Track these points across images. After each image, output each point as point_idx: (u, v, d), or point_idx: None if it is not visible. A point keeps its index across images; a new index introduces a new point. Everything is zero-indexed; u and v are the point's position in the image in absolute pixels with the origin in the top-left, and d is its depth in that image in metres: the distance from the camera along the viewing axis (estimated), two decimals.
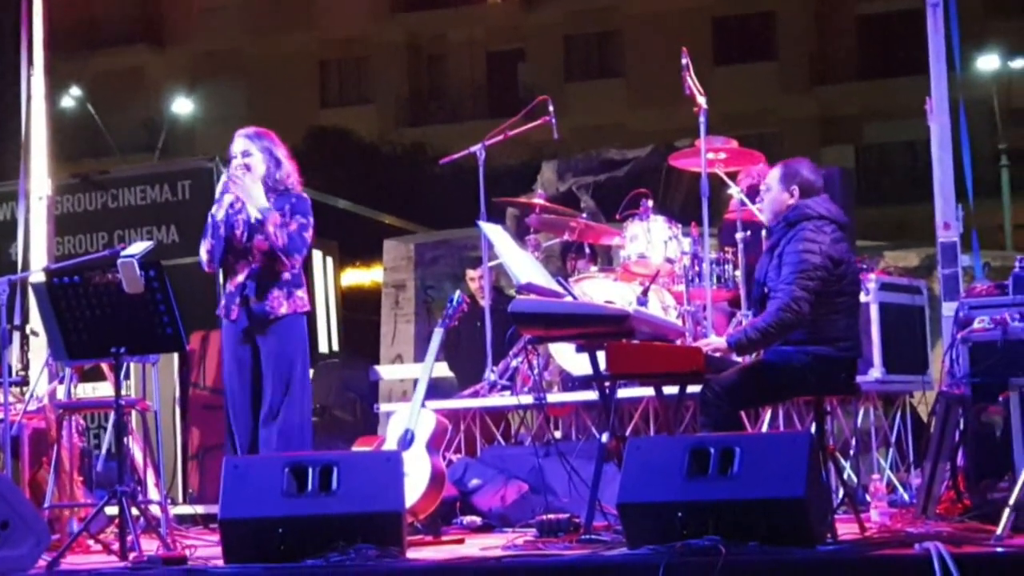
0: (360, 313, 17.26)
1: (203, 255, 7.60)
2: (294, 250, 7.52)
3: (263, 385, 7.54)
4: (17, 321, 9.16)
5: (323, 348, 14.94)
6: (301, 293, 7.63)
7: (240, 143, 7.63)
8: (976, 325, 6.88)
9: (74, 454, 8.23)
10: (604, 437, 6.61)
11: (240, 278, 7.57)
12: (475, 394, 9.34)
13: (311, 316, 8.00)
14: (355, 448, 8.12)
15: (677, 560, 5.19)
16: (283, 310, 7.55)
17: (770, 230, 6.85)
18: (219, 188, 7.60)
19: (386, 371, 13.05)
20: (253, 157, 7.58)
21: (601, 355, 6.55)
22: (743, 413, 7.11)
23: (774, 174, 6.84)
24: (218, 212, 7.53)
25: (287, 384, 7.52)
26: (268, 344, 7.54)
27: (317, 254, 14.22)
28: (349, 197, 17.67)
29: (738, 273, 8.89)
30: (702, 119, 8.65)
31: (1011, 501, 5.64)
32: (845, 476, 8.18)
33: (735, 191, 8.99)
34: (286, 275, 7.58)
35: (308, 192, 7.91)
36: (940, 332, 9.24)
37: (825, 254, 6.47)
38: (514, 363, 9.36)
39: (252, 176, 7.51)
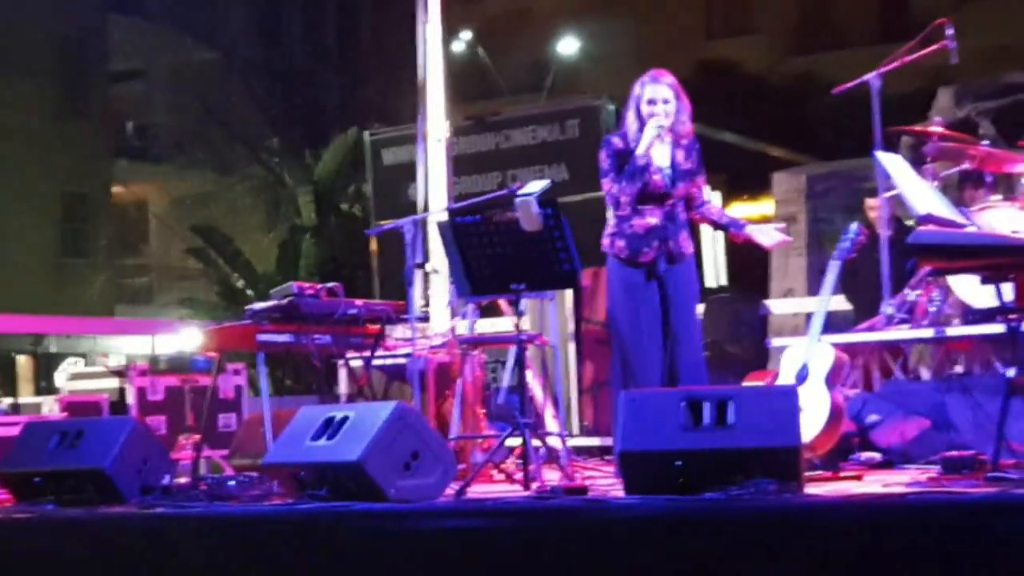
0: (749, 247, 17.15)
1: (622, 197, 7.57)
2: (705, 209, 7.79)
3: (671, 320, 7.56)
4: (420, 259, 9.51)
5: (711, 283, 14.94)
6: (687, 232, 7.72)
7: (665, 90, 7.60)
8: None
9: (476, 387, 8.50)
10: (1011, 372, 6.37)
11: (654, 220, 7.59)
12: (871, 328, 9.16)
13: (697, 251, 8.01)
14: (747, 383, 8.10)
15: None
16: (689, 249, 7.64)
17: None
18: (649, 132, 7.54)
19: (777, 305, 12.94)
20: (671, 104, 7.58)
21: (1008, 287, 6.32)
22: None
23: None
24: (644, 156, 7.51)
25: (693, 319, 7.59)
26: (678, 282, 7.58)
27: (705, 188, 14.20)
28: (737, 130, 17.56)
29: None
30: None
31: None
32: None
33: None
34: (686, 215, 7.67)
35: (696, 126, 7.89)
36: None
37: None
38: (912, 296, 9.13)
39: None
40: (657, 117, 7.49)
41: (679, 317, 7.55)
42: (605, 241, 7.69)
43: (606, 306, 8.36)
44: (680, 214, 7.63)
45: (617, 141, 7.61)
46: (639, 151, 7.48)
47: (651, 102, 7.54)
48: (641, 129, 7.51)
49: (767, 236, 7.74)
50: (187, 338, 15.72)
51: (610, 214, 7.70)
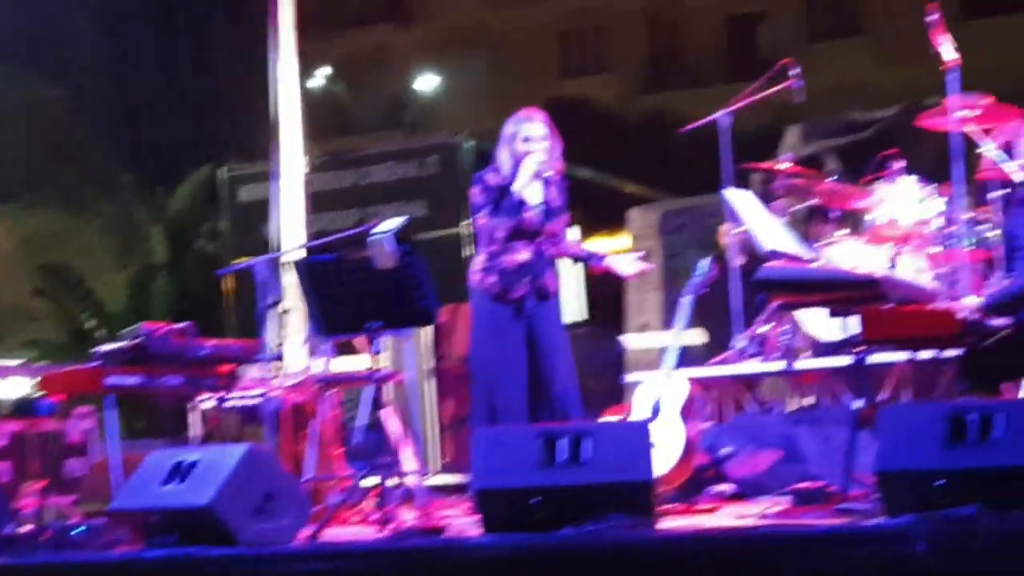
0: (605, 282, 17.27)
1: (496, 232, 7.63)
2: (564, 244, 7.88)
3: (538, 357, 7.60)
4: (275, 298, 9.43)
5: (570, 318, 14.99)
6: (555, 269, 7.76)
7: (541, 128, 7.69)
8: None
9: (333, 427, 8.44)
10: (857, 404, 6.50)
11: (525, 257, 7.64)
12: (724, 361, 9.28)
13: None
14: (603, 418, 8.15)
15: (937, 529, 5.08)
16: (556, 286, 7.75)
17: None
18: (529, 168, 7.60)
19: (633, 340, 13.04)
20: (546, 142, 7.68)
21: (854, 320, 6.45)
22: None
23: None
24: (522, 192, 7.59)
25: (564, 354, 7.63)
26: (546, 319, 7.62)
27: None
28: (591, 166, 17.66)
29: (993, 233, 8.64)
30: (952, 76, 8.42)
31: None
32: None
33: (989, 148, 8.72)
34: (550, 252, 7.76)
35: None
36: None
37: None
38: (763, 329, 9.27)
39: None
40: (535, 154, 7.57)
41: (550, 354, 7.61)
42: (475, 277, 7.73)
43: (466, 342, 8.37)
44: (547, 251, 7.70)
45: (491, 177, 7.67)
46: (516, 186, 7.55)
47: (527, 139, 7.63)
48: (516, 166, 7.58)
49: (627, 266, 7.85)
50: (32, 382, 15.38)
51: (477, 250, 7.74)
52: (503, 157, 7.67)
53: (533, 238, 7.62)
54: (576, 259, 8.03)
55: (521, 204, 7.56)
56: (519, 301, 7.59)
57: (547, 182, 7.67)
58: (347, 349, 9.96)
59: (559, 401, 7.57)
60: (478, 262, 7.71)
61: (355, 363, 10.11)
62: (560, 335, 7.75)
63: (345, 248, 7.22)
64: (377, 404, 7.38)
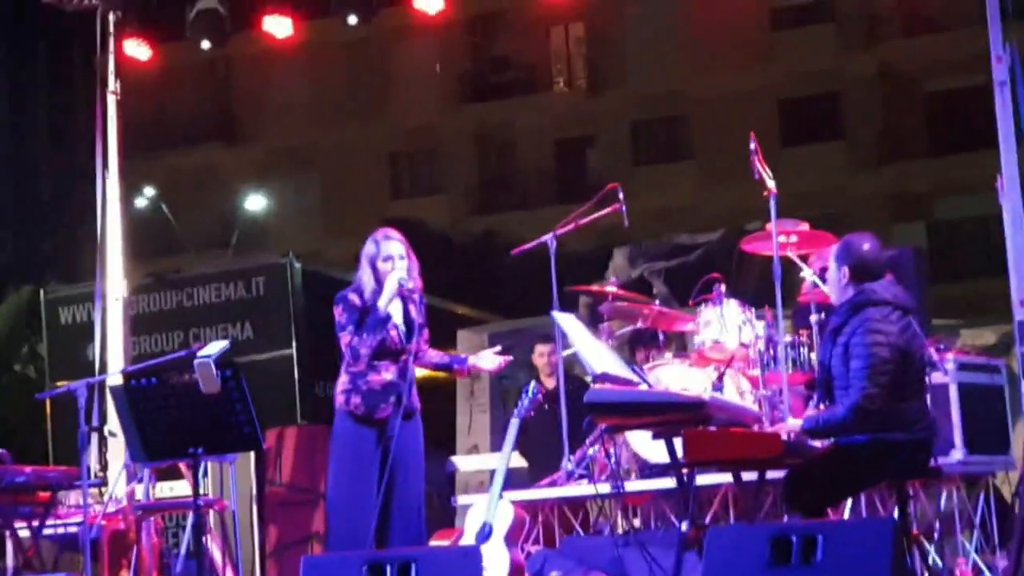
0: (435, 404, 17.25)
1: (362, 349, 7.60)
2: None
3: (397, 478, 7.53)
4: (96, 422, 9.25)
5: None
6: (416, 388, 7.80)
7: (398, 247, 7.75)
8: None
9: (153, 554, 8.26)
10: (684, 526, 6.55)
11: (390, 376, 7.61)
12: (552, 484, 9.29)
13: None
14: (433, 542, 8.09)
15: None
16: (418, 404, 7.79)
17: (835, 311, 6.81)
18: (391, 286, 7.61)
19: (463, 462, 13.01)
20: (408, 261, 7.74)
21: (678, 442, 6.51)
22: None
23: (832, 251, 6.83)
24: (386, 311, 7.60)
25: (419, 476, 7.58)
26: (411, 439, 7.61)
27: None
28: (422, 288, 17.70)
29: (813, 355, 8.82)
30: (772, 202, 8.63)
31: None
32: (930, 561, 8.05)
33: (807, 273, 8.93)
34: (413, 371, 7.76)
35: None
36: (1021, 411, 9.12)
37: (894, 346, 6.42)
38: (591, 451, 9.30)
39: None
40: (396, 271, 7.60)
41: (410, 475, 7.58)
42: (339, 398, 7.69)
43: (291, 467, 8.29)
44: (411, 369, 7.68)
45: (354, 297, 7.67)
46: (381, 303, 7.56)
47: (387, 259, 7.67)
48: (378, 284, 7.57)
49: (488, 361, 7.86)
50: None
51: (341, 370, 7.69)
52: (365, 276, 7.69)
53: (397, 357, 7.61)
54: (439, 368, 8.01)
55: (384, 323, 7.54)
56: (384, 421, 7.54)
57: (408, 300, 7.68)
58: (170, 474, 9.78)
59: (414, 523, 7.51)
60: (342, 382, 7.68)
61: (179, 489, 9.93)
62: (421, 455, 7.71)
63: (168, 372, 7.10)
64: (199, 531, 7.22)
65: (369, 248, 7.74)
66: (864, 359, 6.39)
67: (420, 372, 8.20)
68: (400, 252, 7.71)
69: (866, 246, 6.71)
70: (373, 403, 7.58)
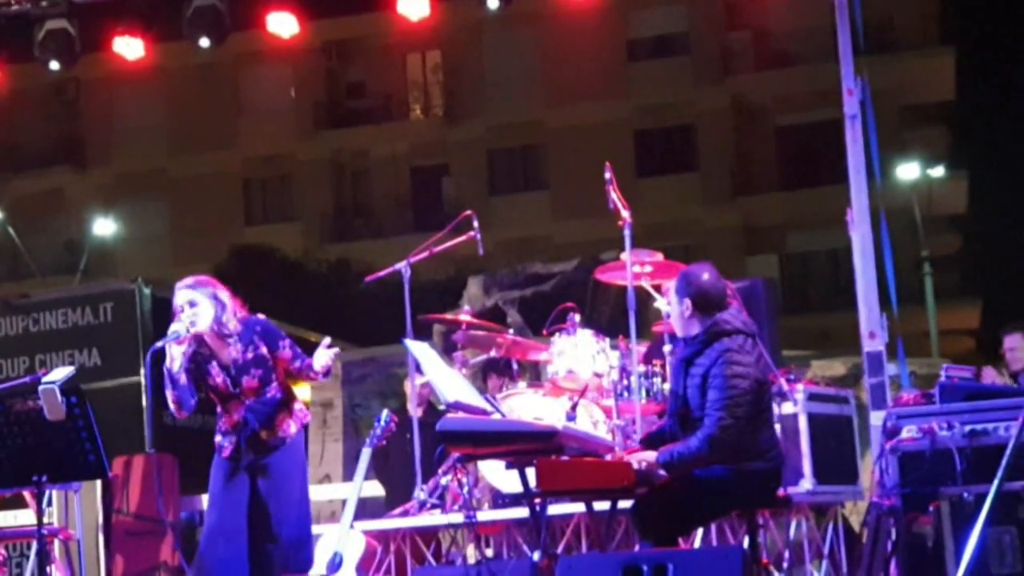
0: None
1: (171, 405, 7.31)
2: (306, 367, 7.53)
3: (267, 508, 7.37)
4: None
5: None
6: (298, 405, 7.58)
7: (184, 295, 7.39)
8: (904, 435, 6.90)
9: None
10: (536, 555, 6.53)
11: (236, 417, 7.43)
12: (405, 513, 9.22)
13: None
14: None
15: None
16: (292, 429, 7.47)
17: (684, 341, 6.82)
18: (170, 348, 7.27)
19: (314, 492, 12.86)
20: (200, 307, 7.37)
21: (531, 472, 6.49)
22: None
23: (672, 285, 6.85)
24: (173, 365, 7.26)
25: (294, 502, 7.42)
26: (269, 471, 7.42)
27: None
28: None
29: (666, 386, 8.87)
30: (627, 232, 8.68)
31: None
32: None
33: (661, 304, 8.99)
34: (279, 395, 7.49)
35: None
36: (869, 441, 9.27)
37: (752, 377, 6.47)
38: (444, 481, 9.26)
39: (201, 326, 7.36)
40: (174, 325, 7.29)
41: (273, 506, 7.38)
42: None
43: (139, 496, 8.13)
44: (272, 398, 7.47)
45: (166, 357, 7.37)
46: (167, 363, 7.26)
47: (179, 307, 7.36)
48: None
49: (322, 357, 7.62)
50: None
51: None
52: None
53: (239, 398, 7.39)
54: (298, 377, 7.74)
55: (191, 383, 7.30)
56: (235, 460, 7.37)
57: (226, 341, 7.43)
58: (14, 503, 9.55)
59: (282, 552, 7.35)
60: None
61: (22, 518, 9.70)
62: (286, 483, 7.47)
63: (11, 399, 6.93)
64: (44, 561, 7.04)
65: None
66: (722, 390, 6.42)
67: None
68: (186, 299, 7.37)
69: (705, 276, 6.74)
70: (221, 444, 7.44)
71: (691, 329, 6.70)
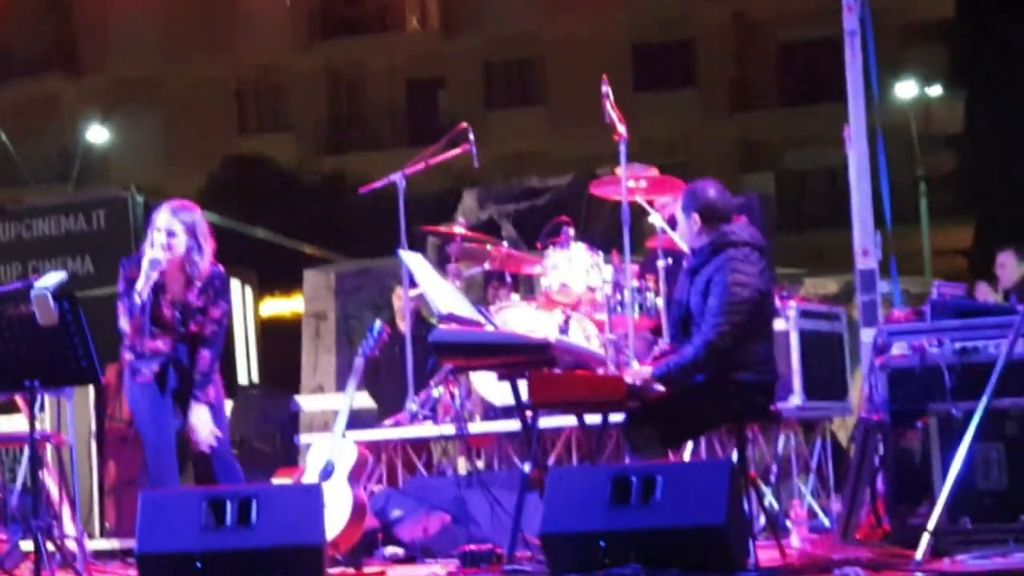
0: (280, 343, 17.13)
1: (127, 329, 7.31)
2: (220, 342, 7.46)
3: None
4: None
5: (242, 379, 14.79)
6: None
7: (166, 219, 7.29)
8: (894, 351, 6.93)
9: None
10: (526, 467, 6.58)
11: (161, 346, 7.37)
12: (396, 424, 9.27)
13: (229, 346, 7.88)
14: (275, 480, 8.04)
15: None
16: (212, 393, 7.41)
17: (692, 252, 6.85)
18: (145, 265, 7.21)
19: (307, 402, 12.94)
20: (177, 239, 7.27)
21: (523, 384, 6.53)
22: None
23: (679, 202, 6.87)
24: (144, 291, 7.20)
25: (222, 426, 7.44)
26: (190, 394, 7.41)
27: (235, 283, 14.09)
28: (268, 226, 17.55)
29: (660, 301, 8.89)
30: (622, 147, 8.65)
31: (930, 526, 5.66)
32: (766, 502, 8.19)
33: (655, 219, 8.99)
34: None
35: (226, 221, 7.81)
36: (859, 359, 9.30)
37: (754, 287, 6.49)
38: (435, 393, 9.29)
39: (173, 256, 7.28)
40: (152, 250, 7.23)
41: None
42: (122, 346, 7.47)
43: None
44: (199, 355, 7.40)
45: (133, 267, 7.30)
46: (138, 286, 7.20)
47: (157, 229, 7.28)
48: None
49: (203, 429, 7.42)
50: None
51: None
52: (145, 244, 7.36)
53: (174, 333, 7.39)
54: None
55: (146, 306, 7.21)
56: (160, 383, 7.38)
57: (190, 283, 7.35)
58: (6, 408, 9.58)
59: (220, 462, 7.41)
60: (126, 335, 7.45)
61: (15, 423, 9.73)
62: (213, 410, 7.47)
63: (3, 304, 6.92)
64: (36, 465, 7.08)
65: (155, 213, 7.39)
66: (722, 297, 6.46)
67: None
68: (171, 227, 7.25)
69: (711, 191, 6.76)
70: (137, 367, 7.38)
71: (700, 242, 6.73)
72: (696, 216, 6.70)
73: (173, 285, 7.34)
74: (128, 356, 7.44)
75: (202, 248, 7.32)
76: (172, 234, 7.26)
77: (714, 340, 6.41)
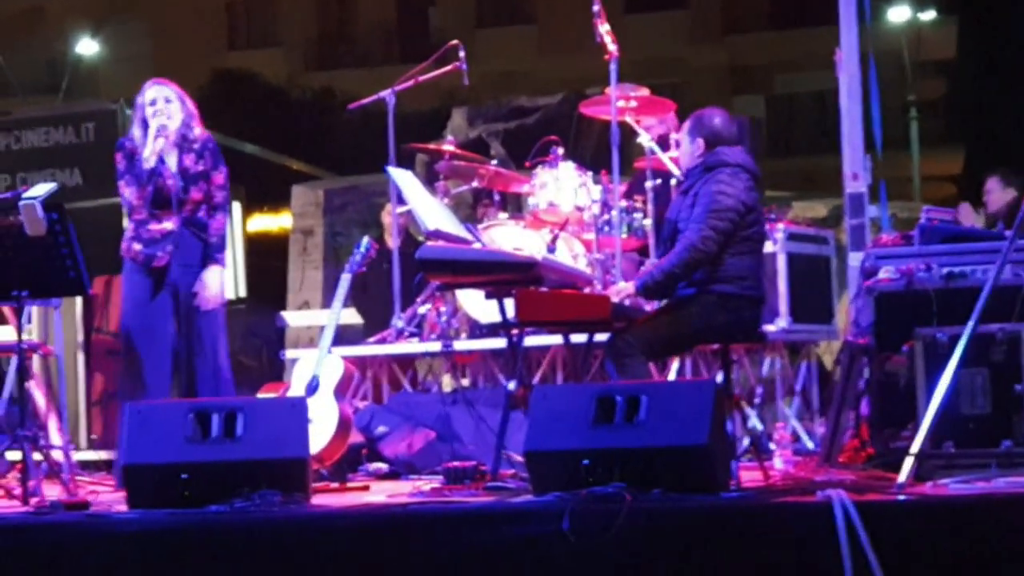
0: (267, 259, 17.13)
1: (133, 200, 7.49)
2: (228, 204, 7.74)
3: (186, 330, 7.49)
4: None
5: (229, 294, 14.79)
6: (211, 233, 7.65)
7: (158, 90, 7.58)
8: (882, 275, 6.93)
9: None
10: (511, 385, 6.60)
11: (169, 226, 7.49)
12: (382, 340, 9.29)
13: None
14: (261, 395, 8.06)
15: (581, 507, 5.19)
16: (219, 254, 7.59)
17: (686, 173, 6.89)
18: (152, 133, 7.44)
19: (293, 317, 12.96)
20: (173, 105, 7.56)
21: (509, 302, 6.54)
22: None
23: (684, 126, 6.91)
24: (151, 159, 7.43)
25: (213, 324, 7.53)
26: (192, 288, 7.53)
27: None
28: (256, 141, 17.48)
29: (647, 221, 8.89)
30: (613, 67, 8.61)
31: (913, 450, 5.69)
32: (750, 424, 8.24)
33: (644, 139, 8.97)
34: (205, 218, 7.61)
35: (215, 136, 7.85)
36: (846, 283, 9.34)
37: (738, 199, 6.55)
38: (421, 310, 9.31)
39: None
40: (159, 116, 7.47)
41: (197, 323, 7.50)
42: (124, 245, 7.58)
43: (119, 316, 8.14)
44: (201, 219, 7.55)
45: (128, 144, 7.54)
46: (145, 153, 7.41)
47: (152, 103, 7.53)
48: (146, 134, 7.45)
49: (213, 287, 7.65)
50: None
51: (127, 220, 7.58)
52: (135, 128, 7.58)
53: (179, 207, 7.48)
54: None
55: (150, 174, 7.41)
56: (163, 271, 7.47)
57: (186, 149, 7.54)
58: None
59: (201, 374, 7.50)
60: (128, 230, 7.57)
61: (3, 333, 9.74)
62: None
63: None
64: (22, 376, 7.09)
65: (138, 99, 7.62)
66: (706, 205, 6.54)
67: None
68: (167, 95, 7.56)
69: (717, 119, 6.83)
70: (151, 252, 7.51)
71: (694, 164, 6.79)
72: (700, 141, 6.77)
73: (170, 158, 7.53)
74: (137, 247, 7.51)
75: (193, 114, 7.65)
76: (168, 100, 7.56)
77: (696, 243, 6.47)
